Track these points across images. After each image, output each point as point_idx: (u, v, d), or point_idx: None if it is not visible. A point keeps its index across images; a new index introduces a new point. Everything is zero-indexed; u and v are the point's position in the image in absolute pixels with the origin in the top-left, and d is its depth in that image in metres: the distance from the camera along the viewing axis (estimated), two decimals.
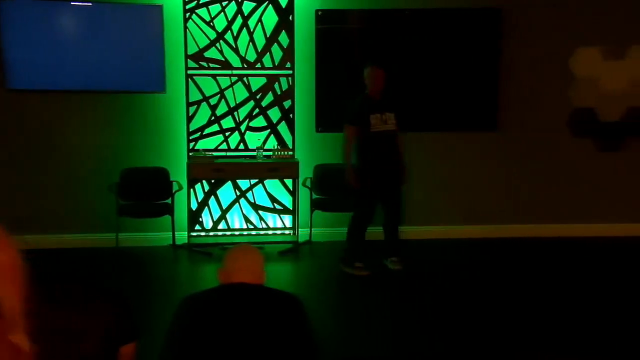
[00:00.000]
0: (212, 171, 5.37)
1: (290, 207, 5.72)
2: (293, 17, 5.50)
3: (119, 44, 5.32)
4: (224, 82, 5.55)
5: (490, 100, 5.76)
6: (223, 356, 1.97)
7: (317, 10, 5.56)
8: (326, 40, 5.61)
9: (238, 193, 5.68)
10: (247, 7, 5.47)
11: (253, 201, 5.70)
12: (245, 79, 5.57)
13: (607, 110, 5.85)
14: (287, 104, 5.61)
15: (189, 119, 5.53)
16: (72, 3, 5.23)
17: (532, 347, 3.55)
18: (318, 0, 5.56)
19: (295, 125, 5.65)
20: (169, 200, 5.50)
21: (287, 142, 5.65)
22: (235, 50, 5.52)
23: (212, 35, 5.48)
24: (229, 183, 5.65)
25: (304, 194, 5.67)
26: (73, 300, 1.88)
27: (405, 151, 4.96)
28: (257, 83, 5.58)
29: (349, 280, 4.83)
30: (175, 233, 5.51)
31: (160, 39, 5.37)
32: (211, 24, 5.47)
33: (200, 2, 5.42)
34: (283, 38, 5.52)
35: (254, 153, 5.55)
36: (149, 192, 5.53)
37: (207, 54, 5.49)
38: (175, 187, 5.50)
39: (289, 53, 5.54)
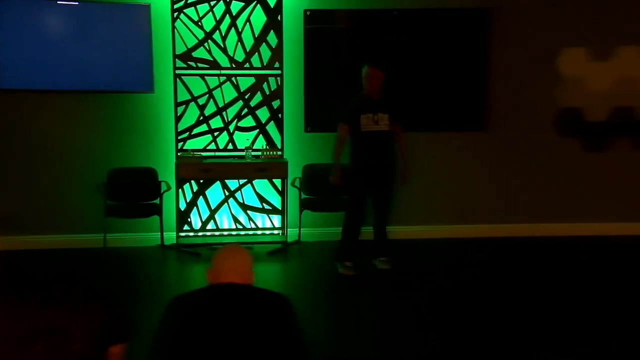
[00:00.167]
0: (201, 171, 5.36)
1: (279, 207, 5.72)
2: (281, 17, 5.50)
3: (107, 44, 5.29)
4: (213, 82, 5.54)
5: (478, 100, 5.80)
6: (212, 357, 1.97)
7: (305, 10, 5.57)
8: (315, 40, 5.61)
9: (227, 193, 5.67)
10: (235, 6, 5.46)
11: (242, 201, 5.69)
12: (233, 78, 5.56)
13: (593, 110, 5.90)
14: (275, 104, 5.61)
15: (178, 119, 5.51)
16: (58, 2, 5.19)
17: (523, 346, 3.57)
18: (306, 0, 5.57)
19: (284, 125, 5.65)
20: (157, 201, 5.48)
21: (276, 142, 5.65)
22: (224, 50, 5.51)
23: (201, 35, 5.47)
24: (218, 183, 5.64)
25: (292, 194, 5.67)
26: (62, 300, 1.88)
27: (407, 151, 4.93)
28: (245, 83, 5.58)
29: (338, 280, 4.83)
30: (164, 233, 5.49)
31: (148, 39, 5.34)
32: (199, 23, 5.45)
33: (188, 2, 5.40)
34: (271, 38, 5.52)
35: (243, 153, 5.54)
36: (137, 192, 5.50)
37: (195, 54, 5.48)
38: (163, 187, 5.48)
39: (277, 53, 5.53)
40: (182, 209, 5.58)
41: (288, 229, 5.68)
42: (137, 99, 5.51)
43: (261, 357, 2.00)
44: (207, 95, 5.55)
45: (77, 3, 5.22)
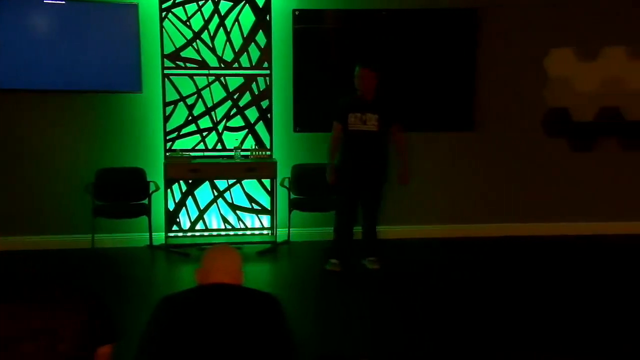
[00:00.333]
0: (190, 171, 5.34)
1: (268, 207, 5.71)
2: (270, 17, 5.50)
3: (95, 44, 5.26)
4: (201, 81, 5.53)
5: (467, 100, 5.82)
6: (201, 357, 1.96)
7: (294, 10, 5.57)
8: (303, 40, 5.61)
9: (216, 193, 5.66)
10: (224, 6, 5.45)
11: (231, 201, 5.68)
12: (222, 78, 5.55)
13: (581, 110, 5.95)
14: (264, 103, 5.61)
15: (166, 119, 5.49)
16: (45, 1, 5.15)
17: (512, 346, 3.60)
18: (295, 0, 5.56)
19: (273, 125, 5.64)
20: (145, 201, 5.45)
21: (265, 142, 5.65)
22: (212, 50, 5.50)
23: (189, 34, 5.45)
24: (207, 183, 5.62)
25: (282, 194, 5.67)
26: (49, 302, 1.87)
27: (406, 152, 4.94)
28: (234, 83, 5.57)
29: (328, 280, 4.84)
30: (152, 234, 5.47)
31: (136, 39, 5.32)
32: (188, 23, 5.44)
33: (177, 2, 5.38)
34: (260, 38, 5.52)
35: (232, 153, 5.53)
36: (126, 192, 5.48)
37: (183, 54, 5.46)
38: (152, 187, 5.46)
39: (266, 53, 5.53)
40: (171, 209, 5.56)
41: (277, 229, 5.67)
42: (125, 99, 5.48)
43: (251, 357, 1.99)
44: (195, 95, 5.54)
45: (64, 2, 5.18)
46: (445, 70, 5.77)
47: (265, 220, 5.74)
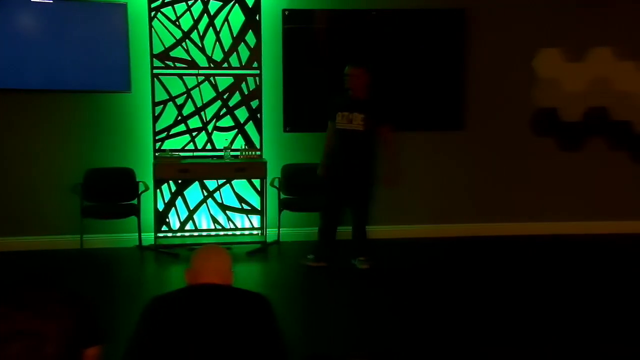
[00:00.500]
0: (179, 171, 5.33)
1: (258, 207, 5.70)
2: (260, 17, 5.49)
3: (83, 43, 5.22)
4: (191, 81, 5.51)
5: (455, 99, 5.84)
6: (190, 358, 1.96)
7: (284, 10, 5.57)
8: (293, 40, 5.61)
9: (205, 193, 5.64)
10: (213, 6, 5.44)
11: (221, 201, 5.67)
12: (212, 78, 5.54)
13: (569, 110, 5.99)
14: (254, 103, 5.60)
15: (155, 118, 5.47)
16: (32, 0, 5.11)
17: (500, 342, 3.62)
18: (285, 0, 5.56)
19: (262, 125, 5.64)
20: (134, 201, 5.43)
21: (255, 142, 5.64)
22: (202, 50, 5.48)
23: (178, 34, 5.43)
24: (196, 183, 5.61)
25: (272, 194, 5.66)
26: (35, 303, 1.86)
27: (394, 154, 4.89)
28: (224, 83, 5.56)
29: (317, 280, 4.85)
30: (142, 234, 5.44)
31: (124, 38, 5.29)
32: (177, 23, 5.42)
33: (166, 1, 5.36)
34: (250, 38, 5.51)
35: (222, 153, 5.52)
36: (115, 193, 5.45)
37: (173, 54, 5.44)
38: (141, 187, 5.44)
39: (256, 53, 5.52)
40: (160, 210, 5.55)
41: (267, 229, 5.67)
42: (114, 99, 5.46)
43: (241, 357, 1.99)
44: (185, 95, 5.52)
45: (51, 1, 5.15)
46: (434, 70, 5.79)
47: (255, 220, 5.73)
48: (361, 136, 4.78)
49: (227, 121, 5.61)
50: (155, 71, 5.41)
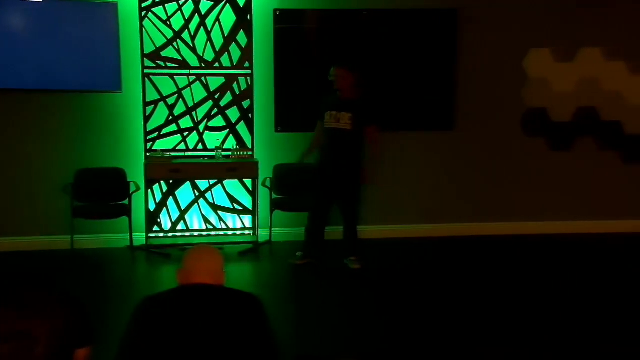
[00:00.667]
0: (170, 171, 5.32)
1: (249, 207, 5.70)
2: (251, 17, 5.49)
3: (73, 43, 5.20)
4: (182, 81, 5.50)
5: (446, 100, 5.87)
6: (182, 358, 1.96)
7: (275, 10, 5.57)
8: (285, 40, 5.61)
9: (197, 193, 5.63)
10: (204, 6, 5.43)
11: (212, 201, 5.66)
12: (203, 78, 5.53)
13: (559, 110, 6.03)
14: (246, 103, 5.60)
15: (146, 118, 5.46)
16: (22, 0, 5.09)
17: (491, 341, 3.63)
18: (276, 0, 5.56)
19: (254, 125, 5.63)
20: (126, 201, 5.41)
21: (247, 142, 5.64)
22: (193, 50, 5.47)
23: (169, 34, 5.42)
24: (188, 183, 5.60)
25: (263, 194, 5.66)
26: (26, 303, 1.86)
27: (377, 154, 4.92)
28: (215, 83, 5.55)
29: (309, 280, 4.85)
30: (133, 234, 5.43)
31: (115, 38, 5.28)
32: (168, 22, 5.41)
33: (156, 1, 5.35)
34: (241, 37, 5.51)
35: (213, 153, 5.52)
36: (105, 193, 5.43)
37: (164, 53, 5.43)
38: (132, 187, 5.42)
39: (247, 52, 5.52)
40: (152, 210, 5.53)
41: (259, 229, 5.67)
42: (105, 99, 5.44)
43: (232, 357, 1.99)
44: (176, 95, 5.51)
45: (41, 1, 5.12)
46: (425, 70, 5.81)
47: (247, 220, 5.73)
48: (348, 135, 4.81)
49: (218, 121, 5.60)
50: (146, 71, 5.40)
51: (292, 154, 5.53)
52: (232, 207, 5.69)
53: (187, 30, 5.44)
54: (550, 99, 5.99)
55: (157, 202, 5.56)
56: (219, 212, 5.68)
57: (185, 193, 5.62)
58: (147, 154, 5.45)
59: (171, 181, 5.53)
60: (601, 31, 5.94)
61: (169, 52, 5.44)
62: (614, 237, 5.99)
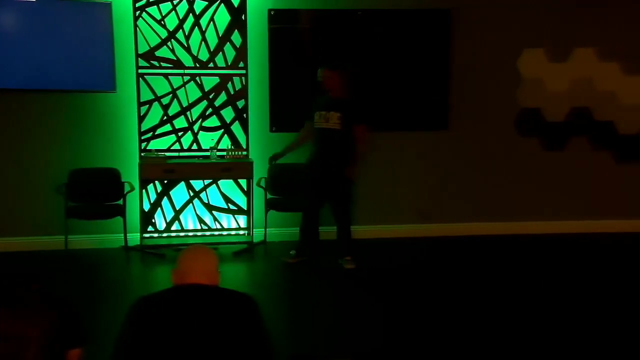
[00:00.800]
0: (165, 172, 5.31)
1: (244, 207, 5.70)
2: (246, 17, 5.49)
3: (67, 42, 5.19)
4: (176, 81, 5.49)
5: (440, 100, 5.88)
6: (177, 358, 1.96)
7: (269, 10, 5.56)
8: (279, 40, 5.61)
9: (192, 194, 5.63)
10: (198, 6, 5.43)
11: (207, 202, 5.65)
12: (197, 78, 5.52)
13: (552, 110, 6.05)
14: (240, 103, 5.59)
15: (141, 118, 5.45)
16: None
17: (486, 341, 3.64)
18: None
19: (249, 125, 5.63)
20: (120, 202, 5.40)
21: (241, 142, 5.63)
22: (187, 50, 5.47)
23: (164, 34, 5.41)
24: (182, 183, 5.59)
25: (258, 194, 5.66)
26: (17, 305, 1.85)
27: (363, 152, 4.93)
28: (210, 83, 5.54)
29: (304, 280, 4.85)
30: (127, 235, 5.41)
31: (109, 38, 5.26)
32: (162, 22, 5.40)
33: (151, 1, 5.34)
34: (236, 37, 5.50)
35: (208, 153, 5.51)
36: (100, 193, 5.42)
37: (158, 53, 5.42)
38: (127, 188, 5.41)
39: (242, 52, 5.52)
40: (146, 210, 5.52)
41: (254, 229, 5.66)
42: (99, 99, 5.43)
43: (227, 357, 1.99)
44: (170, 95, 5.50)
45: (35, 0, 5.10)
46: (419, 70, 5.82)
47: (242, 220, 5.72)
48: (337, 135, 4.83)
49: (213, 121, 5.59)
50: (140, 71, 5.39)
51: (287, 154, 5.52)
52: (226, 207, 5.69)
53: (181, 30, 5.43)
54: (544, 99, 6.01)
55: (152, 202, 5.55)
56: (213, 212, 5.67)
57: (179, 193, 5.61)
58: (142, 154, 5.44)
59: (166, 181, 5.52)
60: (595, 31, 5.97)
61: (163, 52, 5.43)
62: (607, 236, 6.01)
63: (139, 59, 5.36)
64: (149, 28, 5.38)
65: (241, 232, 5.72)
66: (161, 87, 5.47)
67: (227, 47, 5.51)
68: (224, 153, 5.50)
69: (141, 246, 5.45)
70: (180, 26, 5.43)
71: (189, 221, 5.65)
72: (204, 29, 5.46)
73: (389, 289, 4.61)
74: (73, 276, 4.87)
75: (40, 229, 5.44)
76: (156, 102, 5.48)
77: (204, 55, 5.49)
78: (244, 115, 5.61)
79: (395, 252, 5.57)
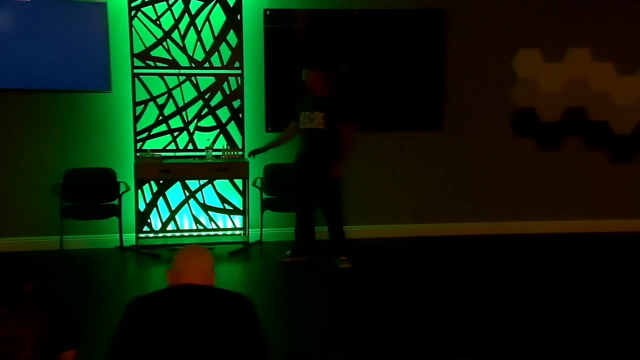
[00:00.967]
0: (160, 172, 5.30)
1: (240, 207, 5.70)
2: (241, 17, 5.48)
3: (62, 42, 5.17)
4: (172, 81, 5.49)
5: (435, 99, 5.89)
6: (172, 358, 1.96)
7: (265, 10, 5.56)
8: (275, 40, 5.61)
9: (187, 194, 5.62)
10: (194, 5, 5.42)
11: (203, 202, 5.65)
12: (193, 78, 5.52)
13: (547, 110, 6.06)
14: (236, 103, 5.59)
15: (136, 118, 5.44)
16: None
17: (484, 341, 3.65)
18: None
19: (244, 125, 5.63)
20: (115, 202, 5.39)
21: (237, 142, 5.63)
22: (183, 50, 5.46)
23: (159, 33, 5.41)
24: (178, 184, 5.59)
25: (254, 194, 5.66)
26: (11, 307, 1.85)
27: (349, 151, 4.93)
28: (205, 83, 5.54)
29: (300, 280, 4.85)
30: (123, 235, 5.41)
31: (104, 37, 5.26)
32: (157, 22, 5.39)
33: (146, 0, 5.33)
34: (231, 37, 5.50)
35: (203, 153, 5.51)
36: (95, 193, 5.41)
37: (153, 53, 5.41)
38: (122, 188, 5.40)
39: (237, 52, 5.52)
40: (142, 210, 5.51)
41: (249, 229, 5.66)
42: (94, 99, 5.42)
43: (222, 358, 2.00)
44: (166, 95, 5.50)
45: (29, 0, 5.08)
46: (415, 70, 5.83)
47: (238, 220, 5.72)
48: (322, 135, 4.85)
49: (208, 121, 5.59)
50: (135, 71, 5.38)
51: (283, 154, 5.53)
52: (222, 207, 5.69)
53: (177, 30, 5.43)
54: (539, 99, 6.03)
55: (147, 202, 5.54)
56: (209, 212, 5.67)
57: (175, 193, 5.60)
58: (137, 154, 5.43)
59: (161, 181, 5.52)
60: (590, 32, 5.98)
61: (159, 52, 5.42)
62: (601, 235, 6.03)
63: (135, 58, 5.36)
64: (145, 28, 5.37)
65: (237, 232, 5.72)
66: (157, 87, 5.47)
67: (223, 47, 5.51)
68: (220, 153, 5.49)
69: (137, 246, 5.44)
70: (175, 26, 5.42)
71: (185, 221, 5.65)
72: (199, 29, 5.46)
73: (386, 288, 4.61)
74: (68, 276, 4.87)
75: (36, 229, 5.43)
76: (152, 102, 5.47)
77: (199, 55, 5.49)
78: (240, 115, 5.61)
79: (391, 252, 5.58)
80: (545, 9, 5.89)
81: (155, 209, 5.57)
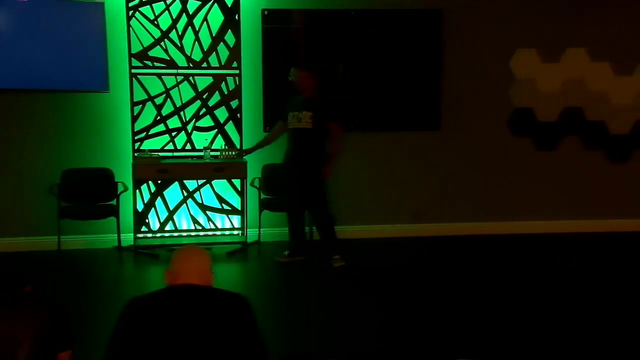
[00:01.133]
0: (158, 172, 5.30)
1: (238, 207, 5.70)
2: (239, 17, 5.48)
3: (60, 42, 5.17)
4: (170, 81, 5.49)
5: (432, 99, 5.89)
6: (170, 358, 1.96)
7: (263, 10, 5.57)
8: (273, 40, 5.61)
9: (185, 194, 5.62)
10: (192, 5, 5.42)
11: (201, 202, 5.65)
12: (191, 78, 5.52)
13: (545, 110, 6.07)
14: (234, 103, 5.59)
15: (134, 118, 5.44)
16: None
17: (481, 341, 3.65)
18: None
19: (242, 125, 5.63)
20: (113, 202, 5.39)
21: (235, 142, 5.63)
22: (181, 50, 5.46)
23: (157, 33, 5.40)
24: (176, 184, 5.58)
25: (252, 194, 5.66)
26: (8, 307, 1.85)
27: (338, 151, 4.94)
28: (203, 83, 5.54)
29: (297, 280, 4.85)
30: (121, 235, 5.40)
31: (102, 37, 5.25)
32: (155, 22, 5.39)
33: (144, 0, 5.33)
34: (229, 37, 5.50)
35: (201, 153, 5.51)
36: (93, 193, 5.40)
37: (151, 53, 5.41)
38: (120, 188, 5.39)
39: (235, 52, 5.51)
40: (140, 210, 5.51)
41: (247, 229, 5.66)
42: (92, 99, 5.41)
43: (220, 358, 2.00)
44: (164, 95, 5.49)
45: (26, 0, 5.08)
46: (412, 70, 5.83)
47: (236, 220, 5.72)
48: (309, 134, 4.86)
49: (206, 121, 5.59)
50: (133, 71, 5.38)
51: (281, 154, 5.52)
52: (220, 207, 5.68)
53: (174, 30, 5.43)
54: (537, 99, 6.04)
55: (145, 202, 5.54)
56: (207, 212, 5.67)
57: (173, 193, 5.60)
58: (135, 154, 5.43)
59: (159, 181, 5.52)
60: (587, 32, 5.99)
61: (157, 52, 5.42)
62: (598, 235, 6.04)
63: (132, 58, 5.35)
64: (142, 28, 5.37)
65: (235, 232, 5.72)
66: (154, 87, 5.46)
67: (221, 47, 5.51)
68: (218, 153, 5.49)
69: (134, 246, 5.43)
70: (173, 26, 5.42)
71: (183, 221, 5.65)
72: (197, 29, 5.46)
73: (385, 288, 4.61)
74: (66, 277, 4.86)
75: (33, 230, 5.42)
76: (149, 102, 5.47)
77: (197, 55, 5.49)
78: (238, 115, 5.61)
79: (390, 251, 5.58)
80: (543, 9, 5.90)
81: (153, 209, 5.57)
